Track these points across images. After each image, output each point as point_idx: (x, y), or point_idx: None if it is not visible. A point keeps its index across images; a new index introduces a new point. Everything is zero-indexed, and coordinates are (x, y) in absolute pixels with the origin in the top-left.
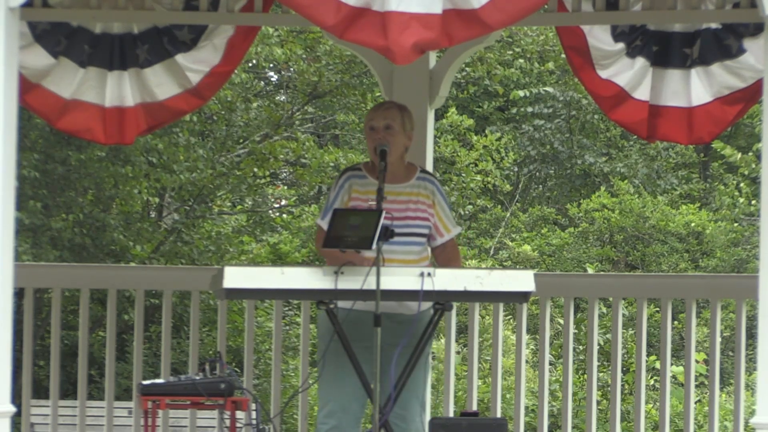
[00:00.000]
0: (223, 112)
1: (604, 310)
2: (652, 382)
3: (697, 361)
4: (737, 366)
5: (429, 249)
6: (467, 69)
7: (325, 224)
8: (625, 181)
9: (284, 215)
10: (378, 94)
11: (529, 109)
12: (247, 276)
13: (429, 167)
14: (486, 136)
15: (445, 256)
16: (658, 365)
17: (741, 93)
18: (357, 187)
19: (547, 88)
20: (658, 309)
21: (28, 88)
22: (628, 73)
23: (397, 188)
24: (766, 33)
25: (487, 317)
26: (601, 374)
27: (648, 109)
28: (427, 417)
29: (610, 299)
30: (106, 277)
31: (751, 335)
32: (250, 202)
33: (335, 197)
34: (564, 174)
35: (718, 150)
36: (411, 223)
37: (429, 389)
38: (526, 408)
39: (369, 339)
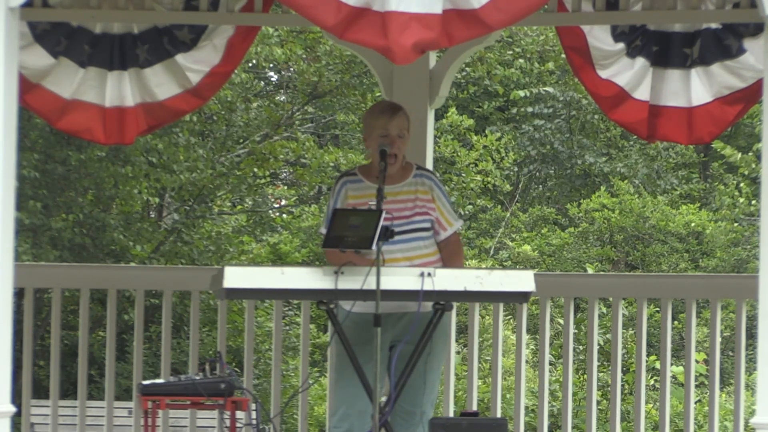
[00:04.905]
0: (223, 112)
1: (604, 310)
2: (652, 382)
3: (697, 361)
4: (737, 366)
5: (435, 243)
6: (467, 69)
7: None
8: (625, 181)
9: (284, 215)
10: (378, 94)
11: (529, 109)
12: (247, 276)
13: (429, 167)
14: (486, 136)
15: (448, 251)
16: (658, 365)
17: (741, 93)
18: (352, 192)
19: (547, 88)
20: (658, 309)
21: (28, 88)
22: (628, 73)
23: (396, 188)
24: (766, 33)
25: (487, 317)
26: (601, 374)
27: (648, 109)
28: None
29: (610, 299)
30: (106, 277)
31: (751, 335)
32: (250, 202)
33: (334, 205)
34: (564, 174)
35: (718, 150)
36: (412, 220)
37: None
38: (526, 408)
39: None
